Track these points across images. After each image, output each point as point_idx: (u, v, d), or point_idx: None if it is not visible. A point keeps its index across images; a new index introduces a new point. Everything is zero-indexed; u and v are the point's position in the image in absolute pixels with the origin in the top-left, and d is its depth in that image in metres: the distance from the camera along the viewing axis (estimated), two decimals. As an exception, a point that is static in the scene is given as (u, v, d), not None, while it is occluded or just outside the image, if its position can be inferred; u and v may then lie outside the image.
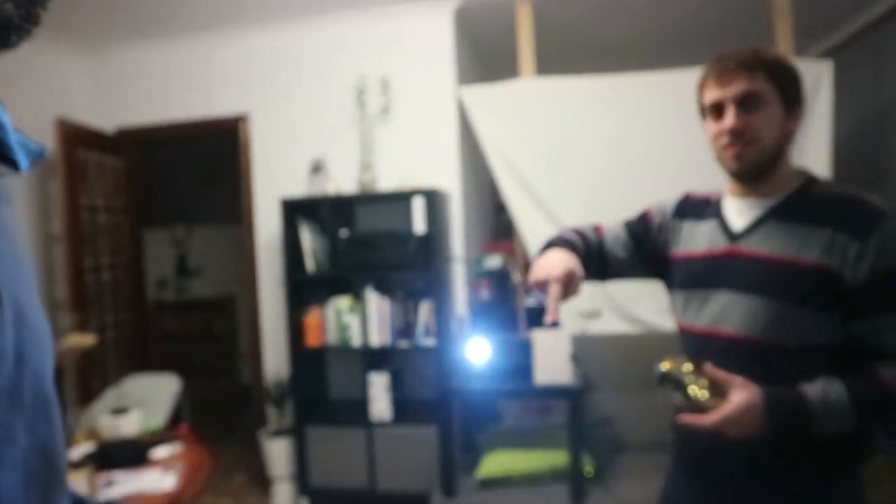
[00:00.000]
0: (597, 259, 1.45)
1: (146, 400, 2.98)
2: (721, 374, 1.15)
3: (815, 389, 1.14)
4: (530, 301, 3.25)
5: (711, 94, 1.23)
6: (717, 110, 1.23)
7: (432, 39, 3.59)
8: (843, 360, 1.18)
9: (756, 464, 1.21)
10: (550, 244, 1.37)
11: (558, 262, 1.23)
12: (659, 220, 1.44)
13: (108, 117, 3.94)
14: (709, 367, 1.17)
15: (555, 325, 1.40)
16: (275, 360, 3.72)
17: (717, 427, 1.12)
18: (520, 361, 2.83)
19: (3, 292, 0.47)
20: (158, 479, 2.12)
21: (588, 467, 2.72)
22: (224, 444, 4.30)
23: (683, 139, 2.98)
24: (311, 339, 3.37)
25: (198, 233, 6.17)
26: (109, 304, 3.86)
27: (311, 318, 3.37)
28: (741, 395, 1.13)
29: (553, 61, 3.69)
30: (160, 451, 2.34)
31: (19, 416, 0.48)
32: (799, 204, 1.22)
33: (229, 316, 5.98)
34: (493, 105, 3.51)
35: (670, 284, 1.41)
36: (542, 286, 1.21)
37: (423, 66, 3.59)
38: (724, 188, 1.36)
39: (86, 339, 2.43)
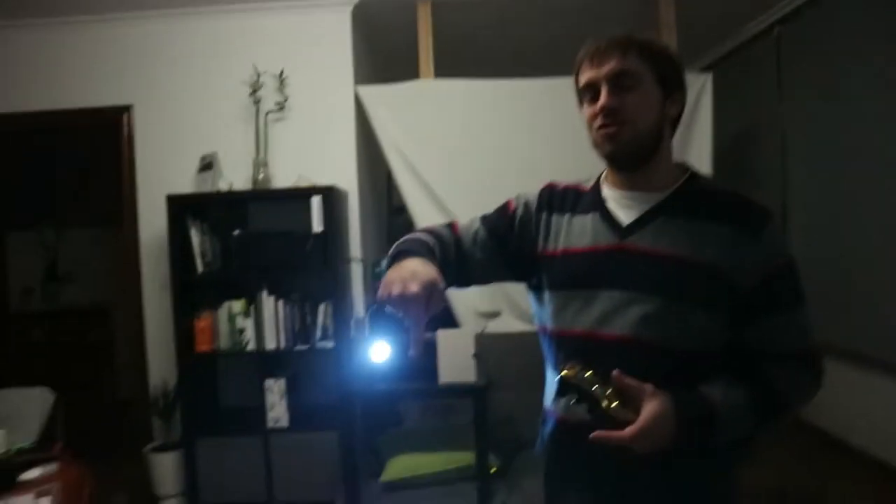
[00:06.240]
0: (454, 263, 1.24)
1: (13, 416, 2.69)
2: (631, 381, 1.04)
3: (717, 395, 1.09)
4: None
5: (585, 76, 1.16)
6: (591, 93, 1.16)
7: (330, 36, 3.51)
8: (727, 363, 1.15)
9: (636, 466, 1.11)
10: (404, 251, 1.13)
11: (416, 275, 1.01)
12: (522, 214, 1.29)
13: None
14: (617, 374, 1.05)
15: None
16: (159, 370, 3.47)
17: (632, 441, 1.02)
18: (421, 362, 2.79)
19: None
20: (30, 503, 1.91)
21: (493, 465, 2.73)
22: (102, 463, 3.96)
23: (572, 141, 3.07)
24: (202, 345, 3.18)
25: (70, 236, 5.69)
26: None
27: (202, 322, 3.18)
28: (654, 405, 1.03)
29: (451, 64, 3.70)
30: (32, 473, 2.11)
31: None
32: (688, 199, 1.17)
33: (105, 325, 5.54)
34: (393, 104, 3.48)
35: (539, 285, 1.26)
36: (399, 304, 1.00)
37: (320, 62, 3.50)
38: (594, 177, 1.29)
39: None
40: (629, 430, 1.02)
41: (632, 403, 1.05)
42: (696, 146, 3.45)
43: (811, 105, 3.58)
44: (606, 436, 1.03)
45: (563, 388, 1.09)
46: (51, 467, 2.16)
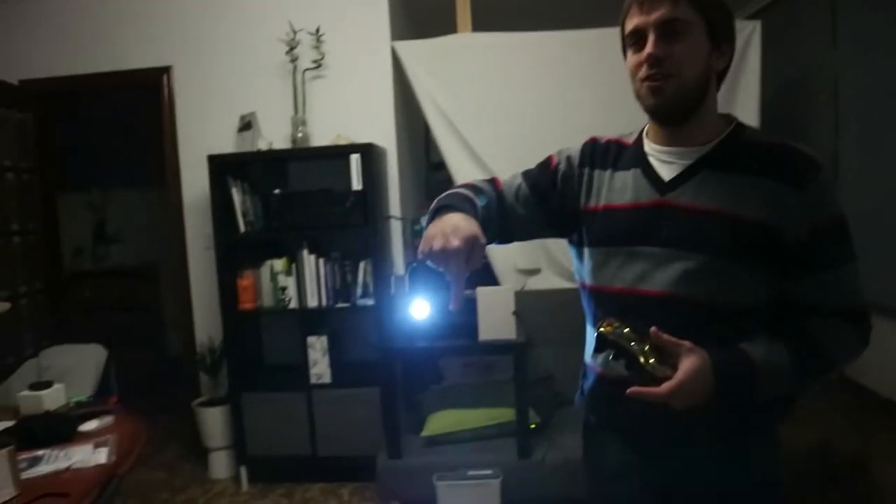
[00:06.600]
0: (496, 218, 1.23)
1: (70, 372, 2.79)
2: (669, 338, 1.03)
3: (759, 352, 1.07)
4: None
5: (633, 22, 1.11)
6: (637, 40, 1.11)
7: (365, -9, 3.47)
8: (771, 319, 1.13)
9: (678, 426, 1.12)
10: (445, 205, 1.12)
11: (458, 230, 1.00)
12: (564, 169, 1.27)
13: (10, 68, 3.61)
14: (654, 331, 1.04)
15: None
16: (206, 327, 3.57)
17: (669, 398, 1.02)
18: (462, 319, 2.80)
19: None
20: (90, 453, 1.99)
21: (533, 421, 2.75)
22: (154, 417, 4.12)
23: (613, 95, 2.99)
24: (245, 303, 3.25)
25: (116, 197, 5.83)
26: (21, 273, 3.59)
27: (245, 281, 3.24)
28: (692, 362, 1.02)
29: (488, 17, 3.61)
30: (90, 425, 2.20)
31: None
32: (732, 152, 1.13)
33: (152, 284, 5.71)
34: (430, 60, 3.43)
35: (580, 241, 1.25)
36: (440, 258, 1.00)
37: (356, 18, 3.46)
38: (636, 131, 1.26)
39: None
40: (666, 387, 1.02)
41: (670, 360, 1.04)
42: (742, 97, 3.34)
43: (867, 52, 3.41)
44: (643, 391, 1.04)
45: (602, 344, 1.09)
46: (107, 420, 2.25)
